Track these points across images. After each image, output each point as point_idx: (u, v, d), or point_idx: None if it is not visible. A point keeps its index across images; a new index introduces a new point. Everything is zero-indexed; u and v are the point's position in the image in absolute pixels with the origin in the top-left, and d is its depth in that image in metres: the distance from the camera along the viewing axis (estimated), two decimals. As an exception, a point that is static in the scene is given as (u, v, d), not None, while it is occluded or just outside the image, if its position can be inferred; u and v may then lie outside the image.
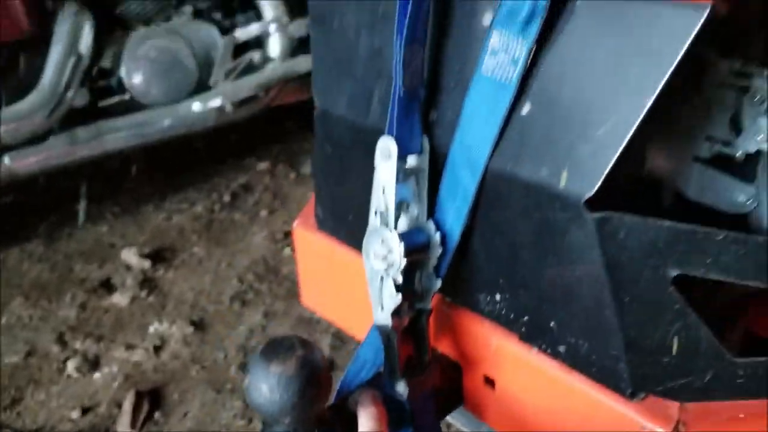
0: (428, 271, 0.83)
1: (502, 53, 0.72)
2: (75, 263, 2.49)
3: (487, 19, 0.77)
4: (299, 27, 3.03)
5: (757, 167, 0.92)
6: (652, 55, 0.65)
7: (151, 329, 2.11)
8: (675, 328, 0.70)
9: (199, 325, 2.12)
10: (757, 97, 0.86)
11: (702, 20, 0.61)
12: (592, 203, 0.69)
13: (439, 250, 0.82)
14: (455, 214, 0.81)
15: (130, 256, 2.47)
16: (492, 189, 0.78)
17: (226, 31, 2.91)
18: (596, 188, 0.69)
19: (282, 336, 0.75)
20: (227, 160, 3.30)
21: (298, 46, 3.05)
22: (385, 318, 0.81)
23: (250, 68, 2.92)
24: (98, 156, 2.53)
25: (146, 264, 2.43)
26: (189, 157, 3.36)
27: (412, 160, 0.82)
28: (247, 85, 2.78)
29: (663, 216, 0.96)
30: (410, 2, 0.75)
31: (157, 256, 2.50)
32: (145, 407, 1.78)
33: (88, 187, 2.78)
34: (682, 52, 0.63)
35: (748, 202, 0.92)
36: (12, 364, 1.97)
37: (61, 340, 2.07)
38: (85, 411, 1.79)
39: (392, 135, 0.79)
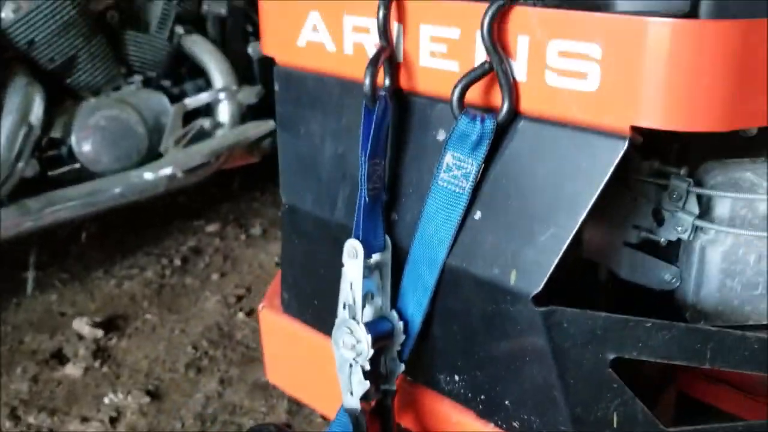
0: (392, 355, 0.92)
1: (455, 169, 0.83)
2: (25, 334, 2.47)
3: (440, 134, 0.88)
4: (248, 94, 3.14)
5: (679, 250, 1.05)
6: (583, 176, 0.76)
7: (106, 400, 2.12)
8: (614, 405, 0.81)
9: (155, 395, 2.14)
10: (675, 194, 1.00)
11: (622, 150, 0.73)
12: (538, 299, 0.80)
13: (402, 337, 0.91)
14: (416, 304, 0.91)
15: (81, 325, 2.47)
16: (449, 282, 0.88)
17: (175, 99, 2.99)
18: (541, 286, 0.79)
19: (260, 425, 0.82)
20: (176, 222, 3.34)
21: (247, 113, 3.15)
22: (354, 402, 0.89)
23: (200, 135, 3.00)
24: (49, 226, 2.55)
25: (98, 333, 2.44)
26: (137, 220, 3.38)
27: (376, 257, 0.92)
28: (198, 153, 2.85)
29: (602, 292, 1.08)
30: (372, 123, 0.86)
31: (110, 325, 2.51)
32: (104, 482, 1.79)
33: (38, 262, 2.78)
34: (608, 175, 0.74)
35: (672, 281, 1.05)
36: (-37, 442, 1.96)
37: (14, 415, 2.06)
38: (40, 489, 1.80)
39: (358, 237, 0.88)
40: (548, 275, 0.79)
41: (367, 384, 0.88)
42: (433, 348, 0.93)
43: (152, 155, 2.90)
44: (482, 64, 0.81)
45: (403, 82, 0.91)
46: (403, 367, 0.93)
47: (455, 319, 0.90)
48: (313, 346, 1.11)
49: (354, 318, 0.88)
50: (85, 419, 2.03)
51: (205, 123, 3.02)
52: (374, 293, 0.92)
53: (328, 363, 1.06)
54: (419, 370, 0.96)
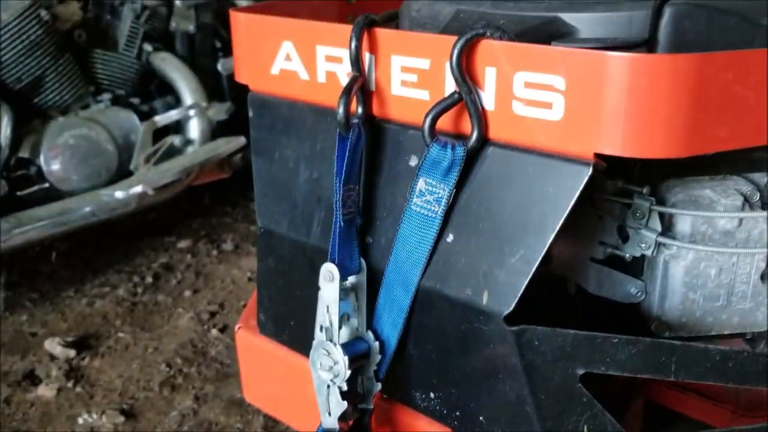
0: (369, 374, 0.95)
1: (427, 194, 0.86)
2: (-4, 356, 2.46)
3: (413, 160, 0.91)
4: (218, 111, 3.15)
5: (643, 265, 1.09)
6: (550, 200, 0.80)
7: (81, 420, 2.11)
8: (584, 418, 0.84)
9: (129, 414, 2.14)
10: (638, 212, 1.04)
11: (587, 176, 0.77)
12: (510, 318, 0.83)
13: (378, 357, 0.94)
14: (391, 324, 0.93)
15: (53, 345, 2.46)
16: (424, 303, 0.91)
17: (145, 116, 3.00)
18: (512, 306, 0.83)
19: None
20: (146, 239, 3.32)
21: (217, 129, 3.16)
22: (332, 422, 0.92)
23: (171, 152, 3.00)
24: (19, 246, 2.54)
25: (71, 353, 2.42)
26: (107, 237, 3.36)
27: (351, 279, 0.94)
28: (169, 170, 2.85)
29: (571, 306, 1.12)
30: (346, 150, 0.89)
31: (82, 344, 2.49)
32: (80, 504, 1.78)
33: (8, 282, 2.76)
34: (573, 199, 0.78)
35: (637, 294, 1.09)
36: (-65, 468, 1.93)
37: (-13, 439, 2.05)
38: None
39: (334, 261, 0.91)
40: (519, 295, 0.82)
41: (344, 404, 0.90)
42: (408, 366, 0.96)
43: (122, 173, 2.90)
44: (452, 94, 0.84)
45: (376, 110, 0.94)
46: (379, 386, 0.95)
47: (430, 338, 0.92)
48: (291, 366, 1.13)
49: (331, 340, 0.91)
50: (58, 441, 2.03)
51: (176, 140, 3.03)
52: (350, 314, 0.95)
53: (306, 382, 1.08)
54: (395, 388, 0.99)
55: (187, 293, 2.86)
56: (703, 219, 1.03)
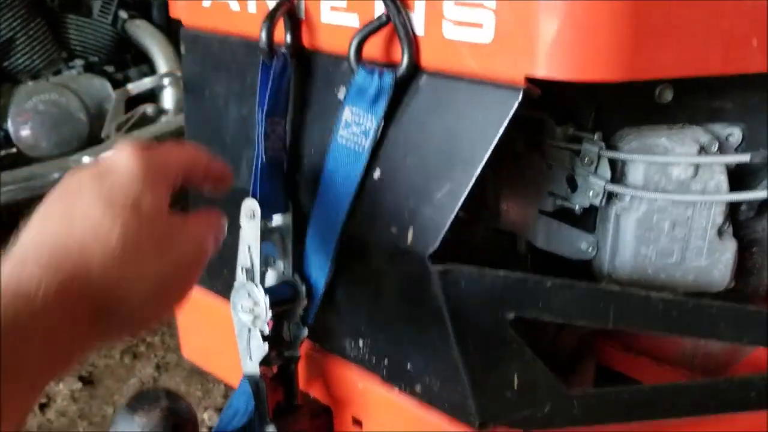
0: (295, 320, 0.90)
1: (354, 125, 0.81)
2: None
3: (341, 93, 0.85)
4: (193, 80, 3.08)
5: (595, 219, 1.04)
6: (477, 131, 0.74)
7: (37, 387, 2.06)
8: (514, 366, 0.79)
9: (87, 381, 2.09)
10: (587, 158, 0.98)
11: (516, 102, 0.71)
12: (435, 257, 0.78)
13: (305, 302, 0.89)
14: (319, 267, 0.88)
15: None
16: (351, 244, 0.86)
17: (118, 84, 2.93)
18: (437, 244, 0.77)
19: (149, 388, 0.79)
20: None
21: (192, 99, 3.10)
22: (253, 367, 0.86)
23: (144, 121, 2.94)
24: (-16, 210, 2.48)
25: (32, 320, 2.38)
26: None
27: (277, 219, 0.89)
28: (140, 138, 2.79)
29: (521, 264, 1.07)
30: (270, 79, 0.83)
31: (45, 312, 2.45)
32: (29, 468, 1.74)
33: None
34: (502, 129, 0.73)
35: (589, 250, 1.03)
36: None
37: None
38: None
39: (255, 197, 0.85)
40: (444, 232, 0.77)
41: (265, 348, 0.85)
42: (337, 312, 0.91)
43: (93, 142, 2.83)
44: (380, 17, 0.79)
45: (306, 40, 0.88)
46: (306, 332, 0.90)
47: (357, 282, 0.87)
48: (225, 317, 1.08)
49: (252, 280, 0.85)
50: (12, 407, 1.97)
51: (149, 109, 2.96)
52: (275, 257, 0.89)
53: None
54: (324, 335, 0.94)
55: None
56: (657, 167, 0.98)
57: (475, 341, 0.79)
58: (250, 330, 0.86)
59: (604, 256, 1.03)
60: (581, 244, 1.04)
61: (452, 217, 0.77)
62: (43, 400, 1.99)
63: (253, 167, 0.86)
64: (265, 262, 0.88)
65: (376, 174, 0.83)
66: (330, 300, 0.90)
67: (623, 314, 0.82)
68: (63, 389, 2.04)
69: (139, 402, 0.76)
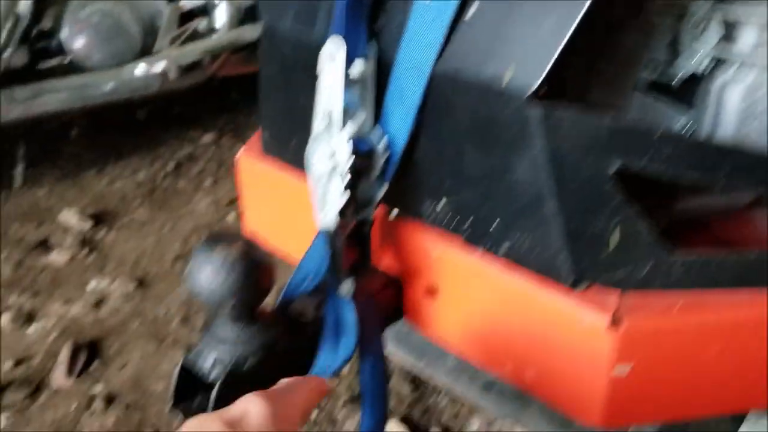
0: (373, 178, 0.85)
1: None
2: (11, 224, 2.42)
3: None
4: (246, -3, 3.02)
5: (693, 93, 0.97)
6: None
7: (91, 286, 2.07)
8: (615, 221, 0.73)
9: (141, 283, 2.09)
10: (694, 20, 0.90)
11: None
12: (536, 98, 0.72)
13: (384, 156, 0.83)
14: (401, 119, 0.83)
15: (69, 216, 2.41)
16: (438, 92, 0.80)
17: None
18: (539, 82, 0.71)
19: (226, 231, 0.75)
20: (171, 131, 3.25)
21: (244, 16, 3.04)
22: (330, 220, 0.82)
23: (196, 36, 2.89)
24: (37, 116, 2.47)
25: (86, 225, 2.38)
26: (132, 127, 3.30)
27: (358, 66, 0.83)
28: (192, 50, 2.75)
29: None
30: None
31: (98, 218, 2.45)
32: (83, 358, 1.74)
33: (26, 151, 2.71)
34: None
35: (687, 126, 0.96)
36: (-58, 319, 1.91)
37: (-5, 296, 2.02)
38: (18, 362, 1.75)
39: (338, 36, 0.79)
40: (547, 70, 0.71)
41: (343, 199, 0.80)
42: (418, 169, 0.86)
43: (146, 56, 2.80)
44: None
45: None
46: (384, 189, 0.85)
47: (444, 133, 0.82)
48: (294, 188, 1.03)
49: (332, 128, 0.80)
50: (67, 301, 1.99)
51: (201, 24, 2.91)
52: (355, 109, 0.84)
53: (309, 206, 0.99)
54: (401, 197, 0.89)
55: (208, 182, 2.79)
56: (771, 32, 0.89)
57: (574, 192, 0.73)
58: (327, 181, 0.81)
59: (702, 134, 0.96)
60: (678, 121, 0.97)
61: (558, 51, 0.70)
62: (97, 298, 2.00)
63: (336, 5, 0.80)
64: (345, 112, 0.82)
65: (471, 11, 0.76)
66: (411, 155, 0.85)
67: (735, 173, 0.75)
68: (117, 289, 2.05)
69: (217, 237, 0.72)
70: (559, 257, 0.75)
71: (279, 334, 0.79)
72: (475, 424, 1.60)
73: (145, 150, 3.05)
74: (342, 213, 0.82)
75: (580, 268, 0.75)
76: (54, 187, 2.69)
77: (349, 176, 0.80)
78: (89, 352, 1.77)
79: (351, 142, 0.79)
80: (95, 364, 1.75)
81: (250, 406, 0.54)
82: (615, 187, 0.73)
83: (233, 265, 0.70)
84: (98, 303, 1.99)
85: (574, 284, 0.76)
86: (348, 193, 0.80)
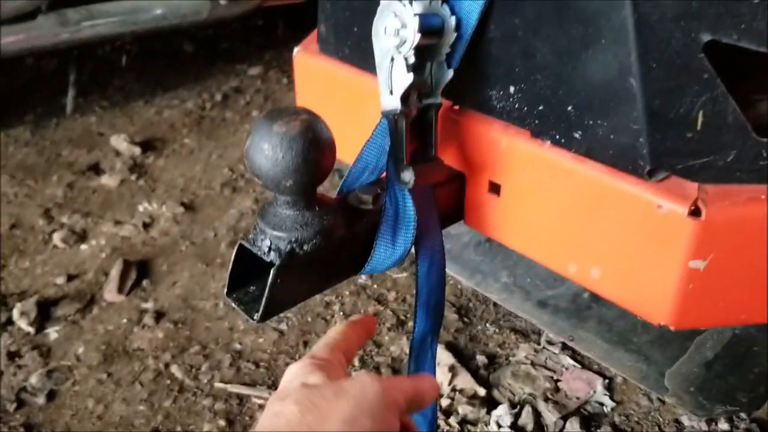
0: (440, 60, 0.80)
1: None
2: (63, 148, 2.44)
3: None
4: (298, -76, 2.96)
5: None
6: None
7: (141, 208, 2.08)
8: (701, 100, 0.68)
9: (189, 207, 2.09)
10: None
11: None
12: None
13: (453, 36, 0.79)
14: (472, -3, 0.78)
15: (119, 142, 2.43)
16: (512, -34, 0.75)
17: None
18: (625, -56, 0.65)
19: (288, 106, 0.72)
20: (218, 64, 3.24)
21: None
22: (394, 102, 0.78)
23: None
24: (88, 39, 2.47)
25: (136, 150, 2.39)
26: (179, 60, 3.29)
27: (428, -60, 0.78)
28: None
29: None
30: None
31: (148, 145, 2.46)
32: (133, 275, 1.76)
33: (77, 81, 2.72)
34: None
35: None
36: (-4, 234, 1.95)
37: (48, 215, 2.04)
38: (71, 277, 1.77)
39: None
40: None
41: (410, 77, 0.76)
42: (487, 54, 0.81)
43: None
44: None
45: None
46: (450, 74, 0.80)
47: (517, 11, 0.77)
48: (352, 86, 1.00)
49: (400, 0, 0.76)
50: (118, 222, 2.00)
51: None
52: (423, -15, 0.79)
53: (367, 104, 0.95)
54: (467, 87, 0.84)
55: (255, 113, 2.78)
56: None
57: (658, 66, 0.68)
58: (393, 58, 0.77)
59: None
60: None
61: None
62: (147, 220, 2.01)
63: None
64: (412, -12, 0.78)
65: None
66: (480, 38, 0.80)
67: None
68: (166, 212, 2.05)
69: (278, 113, 0.68)
70: (635, 144, 0.71)
71: (337, 222, 0.76)
72: (521, 353, 1.58)
73: (193, 82, 3.04)
74: (405, 97, 0.78)
75: (658, 155, 0.70)
76: (104, 116, 2.70)
77: (414, 57, 0.76)
78: (139, 271, 1.78)
79: (418, 18, 0.74)
80: (145, 282, 1.76)
81: (362, 378, 0.57)
82: (704, 62, 0.67)
83: (292, 144, 0.66)
84: (148, 225, 2.00)
85: (651, 174, 0.71)
86: (412, 75, 0.76)
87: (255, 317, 0.71)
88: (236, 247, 0.74)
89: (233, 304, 0.75)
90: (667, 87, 0.68)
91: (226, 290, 0.75)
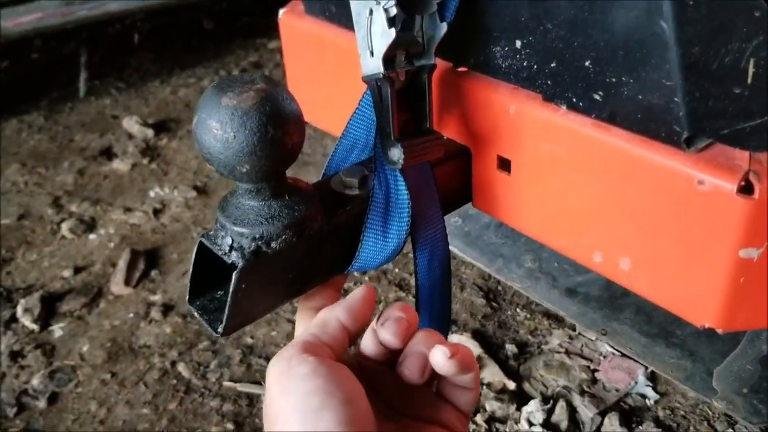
0: (431, 11, 0.67)
1: None
2: (75, 133, 2.37)
3: None
4: None
5: None
6: None
7: (152, 194, 1.99)
8: (752, 46, 0.53)
9: (202, 191, 2.00)
10: None
11: None
12: None
13: (444, -17, 0.65)
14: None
15: (131, 124, 2.34)
16: None
17: None
18: None
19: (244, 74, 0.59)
20: (238, 40, 3.13)
21: None
22: (375, 65, 0.65)
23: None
24: (97, 17, 2.38)
25: (149, 133, 2.30)
26: (198, 37, 3.19)
27: None
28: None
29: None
30: None
31: (161, 127, 2.37)
32: (141, 266, 1.67)
33: (90, 63, 2.64)
34: None
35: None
36: (3, 226, 1.88)
37: (57, 204, 1.97)
38: (78, 270, 1.70)
39: None
40: None
41: (391, 34, 0.63)
42: (486, 3, 0.67)
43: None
44: None
45: None
46: (444, 29, 0.67)
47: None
48: (339, 48, 0.87)
49: (376, -59, 0.62)
50: (128, 210, 1.92)
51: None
52: None
53: (355, 62, 0.83)
54: (466, 44, 0.71)
55: (275, 89, 2.67)
56: None
57: (696, 3, 0.54)
58: (371, 11, 0.64)
59: None
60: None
61: None
62: (158, 206, 1.93)
63: None
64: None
65: None
66: (478, -15, 0.67)
67: None
68: (177, 196, 1.96)
69: (229, 83, 0.56)
70: (669, 105, 0.57)
71: (312, 212, 0.63)
72: (555, 340, 1.44)
73: (211, 59, 2.94)
74: (389, 58, 0.64)
75: (698, 118, 0.56)
76: (118, 98, 2.62)
77: (396, 8, 0.62)
78: (147, 261, 1.70)
79: (398, -41, 0.61)
80: (153, 273, 1.67)
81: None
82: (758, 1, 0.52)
83: (245, 119, 0.54)
84: (158, 211, 1.91)
85: (689, 142, 0.57)
86: (393, 32, 0.62)
87: (219, 329, 0.60)
88: (196, 245, 0.62)
89: (196, 314, 0.63)
90: (708, 30, 0.54)
91: (188, 297, 0.63)
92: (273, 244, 0.60)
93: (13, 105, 2.51)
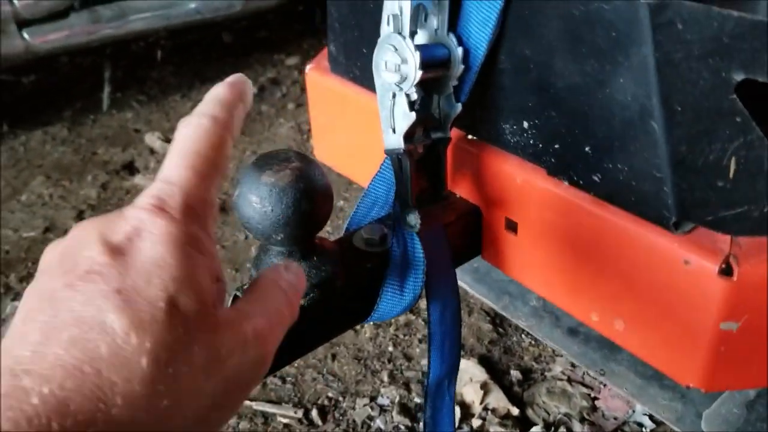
0: (447, 93, 0.74)
1: None
2: (98, 147, 2.44)
3: None
4: None
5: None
6: None
7: (173, 210, 2.07)
8: (733, 146, 0.60)
9: (220, 208, 2.07)
10: None
11: None
12: (642, -7, 0.59)
13: (460, 68, 0.72)
14: (481, 25, 0.71)
15: (154, 140, 2.42)
16: (524, -7, 0.68)
17: None
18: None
19: (279, 149, 0.67)
20: (255, 55, 3.20)
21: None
22: (396, 141, 0.72)
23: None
24: (121, 36, 2.46)
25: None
26: (218, 52, 3.26)
27: (432, -38, 0.71)
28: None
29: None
30: None
31: (181, 142, 2.44)
32: (162, 283, 1.74)
33: (113, 77, 2.72)
34: None
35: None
36: (30, 239, 1.95)
37: (81, 218, 2.04)
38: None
39: None
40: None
41: (412, 117, 0.70)
42: (498, 86, 0.74)
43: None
44: None
45: None
46: (458, 108, 0.74)
47: (530, 41, 0.70)
48: (363, 108, 0.94)
49: (400, 33, 0.69)
50: (149, 226, 1.99)
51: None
52: (428, 11, 0.73)
53: (374, 119, 0.90)
54: (479, 119, 0.78)
55: (291, 106, 2.74)
56: None
57: (685, 107, 0.60)
58: (394, 95, 0.71)
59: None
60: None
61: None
62: (178, 223, 2.00)
63: None
64: (416, 14, 0.71)
65: None
66: (491, 70, 0.73)
67: None
68: (197, 213, 2.04)
69: (267, 161, 0.63)
70: (660, 191, 0.63)
71: (337, 272, 0.70)
72: (558, 367, 1.51)
73: (230, 73, 3.00)
74: (409, 135, 0.72)
75: (685, 206, 0.63)
76: (140, 112, 2.70)
77: (416, 95, 0.69)
78: (167, 276, 1.77)
79: (419, 53, 0.68)
80: (172, 288, 1.74)
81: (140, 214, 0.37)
82: (736, 103, 0.59)
83: (281, 195, 0.61)
84: (177, 227, 1.98)
85: (677, 225, 0.64)
86: (414, 115, 0.69)
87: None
88: (231, 298, 0.69)
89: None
90: (694, 132, 0.61)
91: None
92: (301, 302, 0.68)
93: (37, 116, 2.59)
